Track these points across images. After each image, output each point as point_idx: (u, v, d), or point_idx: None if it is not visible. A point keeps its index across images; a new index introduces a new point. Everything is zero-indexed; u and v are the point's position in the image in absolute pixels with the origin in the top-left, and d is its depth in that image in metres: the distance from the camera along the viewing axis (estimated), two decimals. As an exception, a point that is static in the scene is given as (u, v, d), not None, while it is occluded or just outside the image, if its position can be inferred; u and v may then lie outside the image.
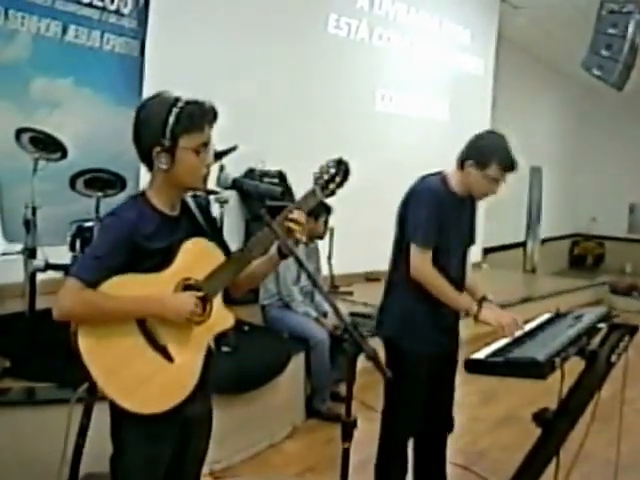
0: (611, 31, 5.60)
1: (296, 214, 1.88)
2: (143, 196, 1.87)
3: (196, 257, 1.87)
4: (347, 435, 1.73)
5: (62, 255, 3.64)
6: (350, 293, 6.60)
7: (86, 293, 1.71)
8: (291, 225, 1.88)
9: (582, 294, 9.41)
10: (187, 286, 1.85)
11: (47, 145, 3.75)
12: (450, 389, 2.99)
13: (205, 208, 2.05)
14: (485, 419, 4.52)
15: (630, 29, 5.53)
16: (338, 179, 1.97)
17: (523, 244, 11.71)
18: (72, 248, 3.66)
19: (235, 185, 1.90)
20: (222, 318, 1.93)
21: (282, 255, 1.93)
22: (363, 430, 1.84)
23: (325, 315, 4.56)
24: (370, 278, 7.68)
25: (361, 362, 4.89)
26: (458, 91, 8.76)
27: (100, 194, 3.79)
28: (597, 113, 13.03)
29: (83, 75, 5.03)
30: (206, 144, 1.83)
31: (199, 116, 1.80)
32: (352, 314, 4.85)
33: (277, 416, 4.03)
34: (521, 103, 10.64)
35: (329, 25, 7.26)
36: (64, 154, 3.83)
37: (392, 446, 2.90)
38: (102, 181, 3.84)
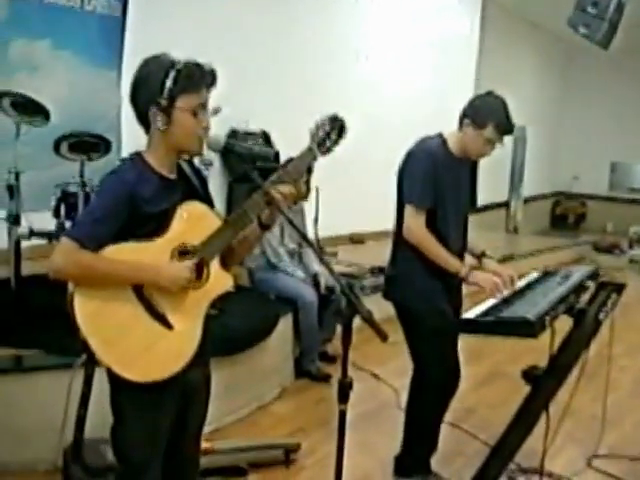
0: (597, -12, 5.52)
1: (282, 187, 1.84)
2: (140, 157, 1.84)
3: (192, 222, 1.84)
4: (343, 397, 1.72)
5: (47, 221, 3.59)
6: (335, 254, 6.62)
7: (81, 254, 1.68)
8: (275, 195, 1.83)
9: (564, 252, 9.50)
10: (183, 251, 1.82)
11: (29, 109, 3.66)
12: (456, 343, 2.99)
13: (199, 172, 2.01)
14: (470, 377, 4.54)
15: (617, -14, 5.46)
16: (334, 136, 1.91)
17: (506, 204, 11.73)
18: (56, 214, 3.59)
19: (227, 148, 1.86)
20: (220, 281, 1.90)
21: (263, 226, 1.92)
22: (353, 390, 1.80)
23: (315, 277, 4.55)
24: (354, 240, 7.70)
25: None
26: (444, 51, 8.68)
27: (84, 157, 3.73)
28: (581, 72, 12.97)
29: (63, 37, 4.87)
30: (203, 106, 1.82)
31: (198, 77, 1.79)
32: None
33: (266, 378, 4.06)
34: (505, 63, 10.55)
35: (315, -16, 7.09)
36: (47, 118, 3.74)
37: (433, 394, 2.92)
38: (87, 144, 3.77)
